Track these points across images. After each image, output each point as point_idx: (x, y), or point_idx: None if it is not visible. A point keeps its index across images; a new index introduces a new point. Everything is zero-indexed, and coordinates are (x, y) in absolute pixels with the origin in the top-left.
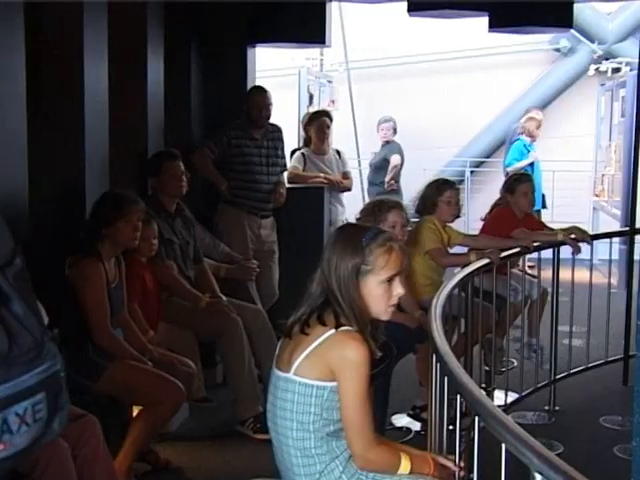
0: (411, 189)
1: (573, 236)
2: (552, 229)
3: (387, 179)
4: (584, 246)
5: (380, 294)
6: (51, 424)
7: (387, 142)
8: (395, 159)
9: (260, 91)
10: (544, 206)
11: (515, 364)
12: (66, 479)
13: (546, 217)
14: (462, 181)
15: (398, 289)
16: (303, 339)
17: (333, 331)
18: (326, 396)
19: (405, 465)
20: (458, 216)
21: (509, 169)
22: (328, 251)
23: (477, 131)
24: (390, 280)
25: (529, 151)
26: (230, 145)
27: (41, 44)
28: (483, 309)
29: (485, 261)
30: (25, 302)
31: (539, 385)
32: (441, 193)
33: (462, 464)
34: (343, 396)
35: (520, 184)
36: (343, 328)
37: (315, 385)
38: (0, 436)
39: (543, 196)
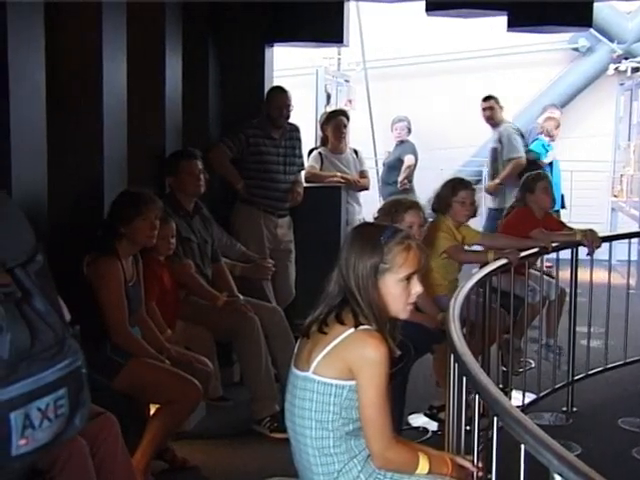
0: (428, 189)
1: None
2: (571, 229)
3: (400, 179)
4: (603, 247)
5: (399, 292)
6: (73, 420)
7: (401, 142)
8: (409, 159)
9: (281, 91)
10: (563, 206)
11: (533, 365)
12: (85, 476)
13: (564, 218)
14: (479, 181)
15: (416, 287)
16: (321, 338)
17: (352, 330)
18: (345, 395)
19: (423, 465)
20: (474, 216)
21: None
22: (346, 250)
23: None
24: (408, 278)
25: (547, 151)
26: (248, 144)
27: (61, 44)
28: (501, 309)
29: (503, 261)
30: (47, 298)
31: (557, 386)
32: (455, 193)
33: (480, 464)
34: (362, 395)
35: (538, 182)
36: (362, 327)
37: (334, 384)
38: (23, 431)
39: (562, 196)
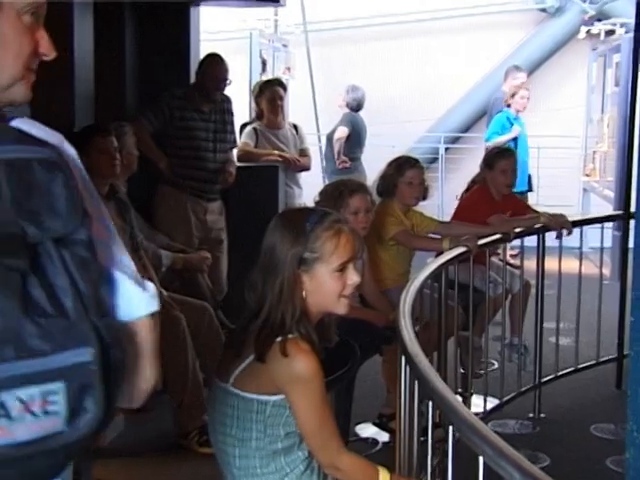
0: (377, 169)
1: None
2: (538, 213)
3: (336, 157)
4: (573, 232)
5: (332, 285)
6: (74, 422)
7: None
8: (339, 131)
9: (218, 61)
10: (530, 188)
11: (495, 366)
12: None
13: (530, 200)
14: (436, 159)
15: (353, 277)
16: (244, 347)
17: (276, 340)
18: (269, 411)
19: (385, 477)
20: (424, 198)
21: (489, 144)
22: (266, 242)
23: (453, 102)
24: (342, 268)
25: (512, 124)
26: (172, 117)
27: None
28: (459, 304)
29: (461, 249)
30: (71, 277)
31: (522, 390)
32: (401, 173)
33: None
34: (297, 414)
35: (500, 160)
36: (288, 337)
37: (256, 399)
38: None
39: (529, 177)
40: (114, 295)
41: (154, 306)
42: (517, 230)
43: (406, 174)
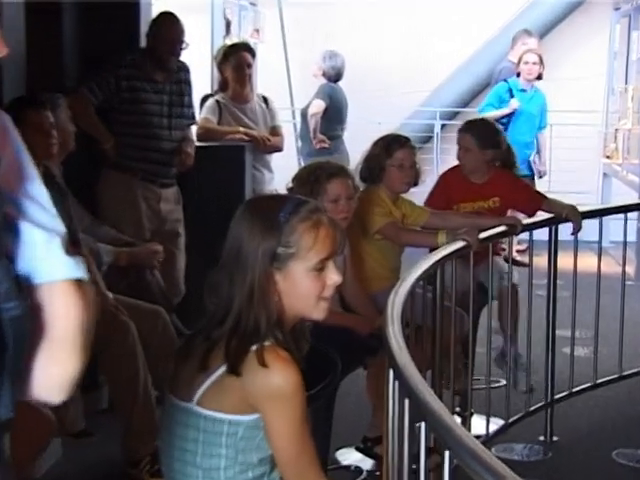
0: (361, 149)
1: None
2: (545, 198)
3: (311, 135)
4: (591, 224)
5: (309, 285)
6: None
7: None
8: (315, 106)
9: (172, 21)
10: (532, 174)
11: (502, 382)
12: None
13: (542, 186)
14: (430, 138)
15: (333, 276)
16: (210, 359)
17: (250, 348)
18: (241, 434)
19: None
20: (415, 184)
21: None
22: (232, 235)
23: (451, 72)
24: (322, 266)
25: (512, 96)
26: (120, 88)
27: None
28: (457, 308)
29: (459, 244)
30: None
31: (531, 409)
32: (390, 154)
33: None
34: (273, 436)
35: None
36: (264, 344)
37: (227, 420)
38: None
39: (528, 163)
40: (17, 244)
41: (79, 272)
42: (525, 221)
43: (395, 155)
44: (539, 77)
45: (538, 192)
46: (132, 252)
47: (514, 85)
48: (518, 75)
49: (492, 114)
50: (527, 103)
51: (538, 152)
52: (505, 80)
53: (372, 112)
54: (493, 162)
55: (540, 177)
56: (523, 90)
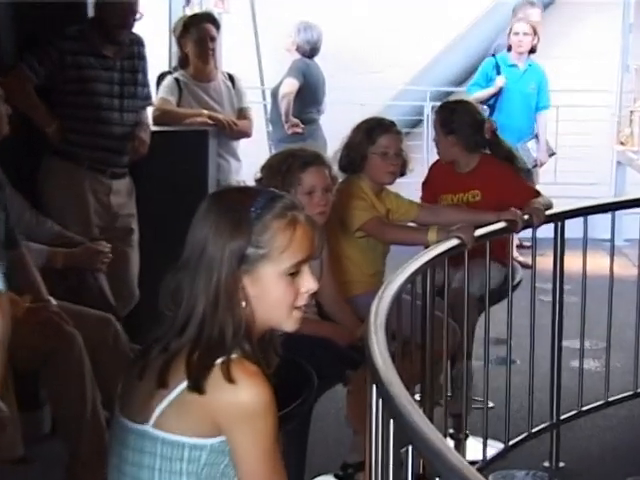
0: (340, 135)
1: (526, 216)
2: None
3: (283, 119)
4: (603, 220)
5: (281, 292)
6: None
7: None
8: (287, 85)
9: None
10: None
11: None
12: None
13: (547, 177)
14: (420, 122)
15: (308, 283)
16: (168, 374)
17: (216, 362)
18: (205, 459)
19: None
20: (402, 174)
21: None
22: (195, 232)
23: (442, 47)
24: (296, 270)
25: (499, 73)
26: (64, 64)
27: None
28: (449, 315)
29: (453, 242)
30: None
31: (534, 430)
32: (372, 140)
33: None
34: (241, 461)
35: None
36: (231, 357)
37: (188, 443)
38: None
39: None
40: None
41: None
42: (526, 217)
43: (378, 142)
44: (532, 50)
45: (531, 188)
46: (70, 253)
47: (502, 60)
48: (509, 49)
49: (477, 95)
50: (518, 80)
51: (536, 137)
52: (493, 55)
53: (353, 92)
54: (475, 149)
55: (536, 165)
56: (513, 65)
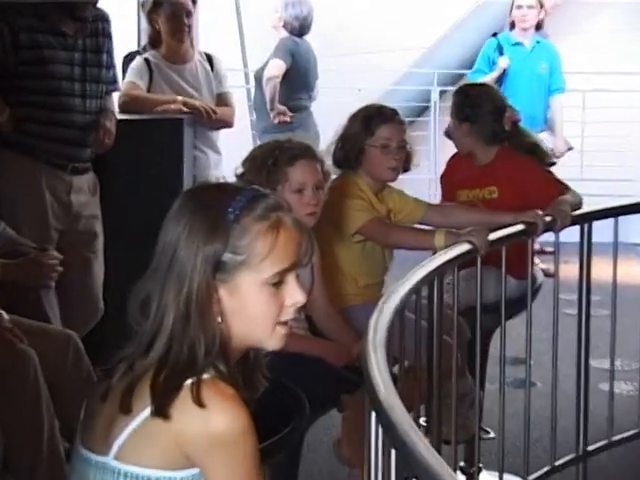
0: (335, 125)
1: (548, 218)
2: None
3: (268, 106)
4: (634, 222)
5: (263, 304)
6: None
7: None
8: (273, 67)
9: None
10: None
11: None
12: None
13: (573, 172)
14: (426, 109)
15: (295, 294)
16: (131, 398)
17: (185, 383)
18: None
19: None
20: (406, 170)
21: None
22: (165, 235)
23: (452, 23)
24: (280, 279)
25: (502, 54)
26: (17, 44)
27: None
28: (460, 330)
29: (464, 247)
30: None
31: (558, 463)
32: (371, 131)
33: None
34: None
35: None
36: (202, 377)
37: (155, 477)
38: None
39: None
40: None
41: None
42: (548, 219)
43: (378, 133)
44: (538, 26)
45: (556, 184)
46: (8, 265)
47: (505, 39)
48: (512, 26)
49: (484, 80)
50: (525, 60)
51: (550, 126)
52: (494, 35)
53: (349, 75)
54: (492, 141)
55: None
56: (518, 44)
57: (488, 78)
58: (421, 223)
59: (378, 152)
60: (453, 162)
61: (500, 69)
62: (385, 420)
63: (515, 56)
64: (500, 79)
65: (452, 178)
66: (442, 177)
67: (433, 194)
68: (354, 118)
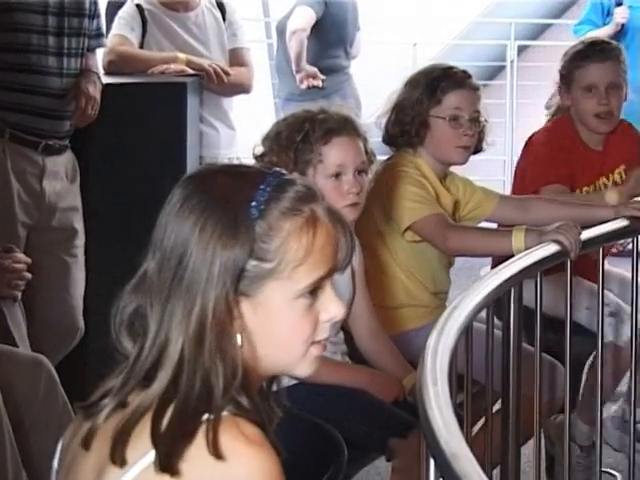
0: (383, 90)
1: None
2: None
3: (294, 67)
4: None
5: (296, 323)
6: None
7: None
8: (298, 17)
9: None
10: None
11: (619, 478)
12: None
13: None
14: (501, 70)
15: (333, 307)
16: (124, 442)
17: (199, 425)
18: None
19: None
20: (477, 150)
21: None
22: (168, 235)
23: None
24: (314, 290)
25: (609, 11)
26: None
27: None
28: (548, 358)
29: (551, 249)
30: None
31: None
32: (437, 98)
33: None
34: None
35: (582, 63)
36: (221, 416)
37: None
38: None
39: None
40: None
41: None
42: None
43: (446, 101)
44: None
45: None
46: None
47: None
48: None
49: (596, 33)
50: None
51: None
52: None
53: (401, 28)
54: None
55: None
56: None
57: (600, 33)
58: (489, 221)
59: (446, 126)
60: (547, 143)
61: (617, 24)
62: (447, 471)
63: (634, 8)
64: (616, 37)
65: (550, 165)
66: (524, 163)
67: (508, 180)
68: (413, 82)
